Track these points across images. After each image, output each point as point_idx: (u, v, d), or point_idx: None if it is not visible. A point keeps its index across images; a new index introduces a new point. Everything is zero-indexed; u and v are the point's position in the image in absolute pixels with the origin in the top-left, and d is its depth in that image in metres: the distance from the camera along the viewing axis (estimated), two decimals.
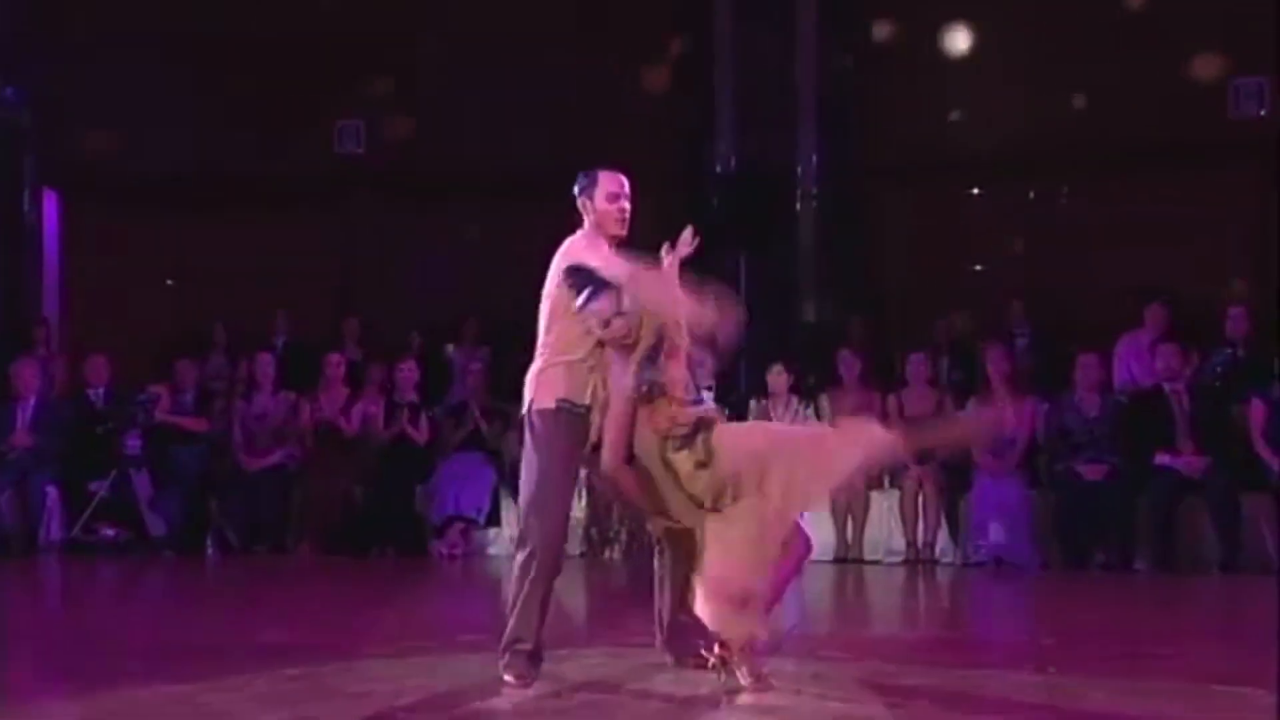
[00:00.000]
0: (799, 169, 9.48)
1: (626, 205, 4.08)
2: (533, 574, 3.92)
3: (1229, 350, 7.99)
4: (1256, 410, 7.42)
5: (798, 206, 9.50)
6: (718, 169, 9.46)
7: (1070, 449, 7.61)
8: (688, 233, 4.04)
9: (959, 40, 9.41)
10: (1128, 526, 7.38)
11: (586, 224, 4.07)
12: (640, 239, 4.12)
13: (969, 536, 7.57)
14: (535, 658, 3.94)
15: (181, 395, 8.73)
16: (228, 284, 10.20)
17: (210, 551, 8.27)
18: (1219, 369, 7.91)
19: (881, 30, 9.57)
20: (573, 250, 4.01)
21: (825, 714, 3.68)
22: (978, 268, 9.91)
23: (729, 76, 9.47)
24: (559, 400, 3.93)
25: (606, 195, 4.07)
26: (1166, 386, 7.53)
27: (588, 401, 3.95)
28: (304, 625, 5.12)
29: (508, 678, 3.89)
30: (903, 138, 9.59)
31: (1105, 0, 9.03)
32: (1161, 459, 7.35)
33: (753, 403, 8.17)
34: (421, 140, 10.19)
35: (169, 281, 10.80)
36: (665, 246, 4.01)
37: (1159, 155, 9.01)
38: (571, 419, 3.94)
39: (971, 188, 10.02)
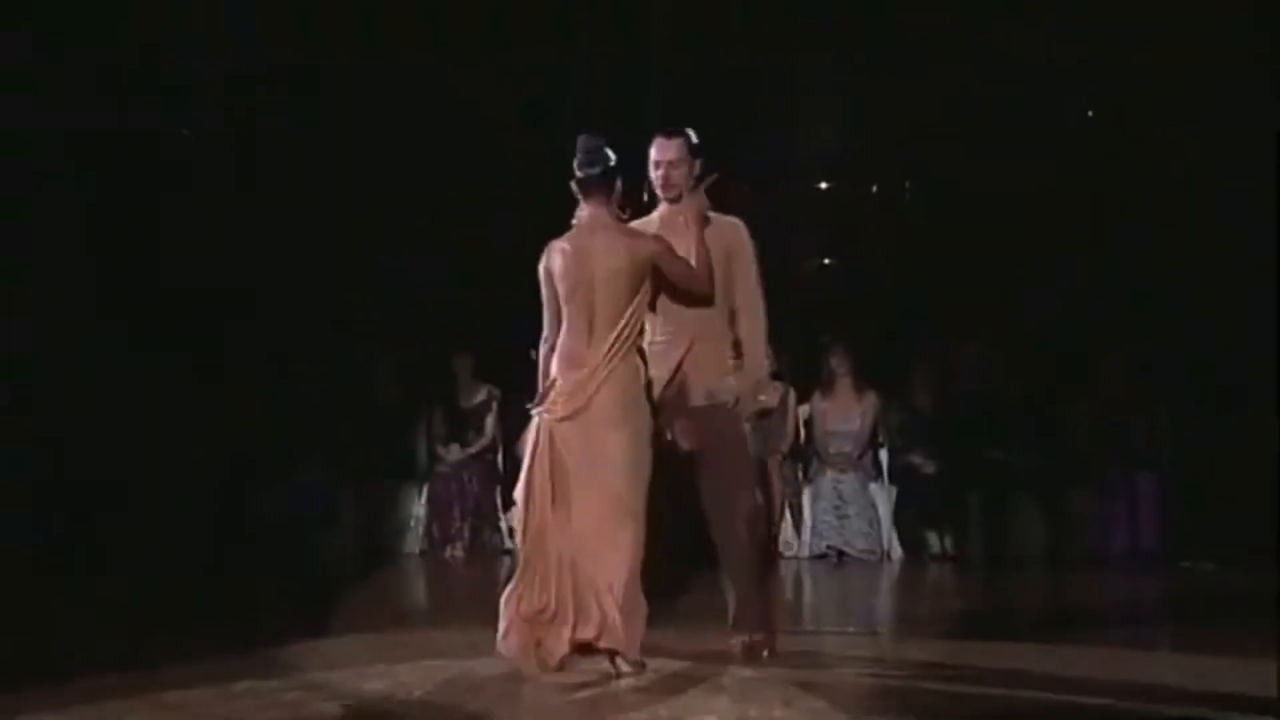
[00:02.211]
0: (647, 157, 9.43)
1: (665, 172, 4.28)
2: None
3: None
4: (1083, 406, 7.69)
5: (645, 197, 9.47)
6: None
7: (908, 444, 7.77)
8: None
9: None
10: (960, 519, 7.57)
11: None
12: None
13: (813, 529, 7.65)
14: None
15: None
16: None
17: None
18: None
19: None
20: None
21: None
22: (826, 261, 10.05)
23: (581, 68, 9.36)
24: None
25: (652, 164, 4.32)
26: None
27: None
28: None
29: None
30: (753, 128, 9.64)
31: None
32: (992, 453, 7.56)
33: None
34: None
35: None
36: None
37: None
38: None
39: (819, 182, 10.15)
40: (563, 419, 3.95)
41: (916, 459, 7.69)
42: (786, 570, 7.35)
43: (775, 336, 8.70)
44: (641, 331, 4.10)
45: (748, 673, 3.98)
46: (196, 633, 4.70)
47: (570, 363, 4.00)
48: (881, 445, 7.95)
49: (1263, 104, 7.52)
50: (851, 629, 5.28)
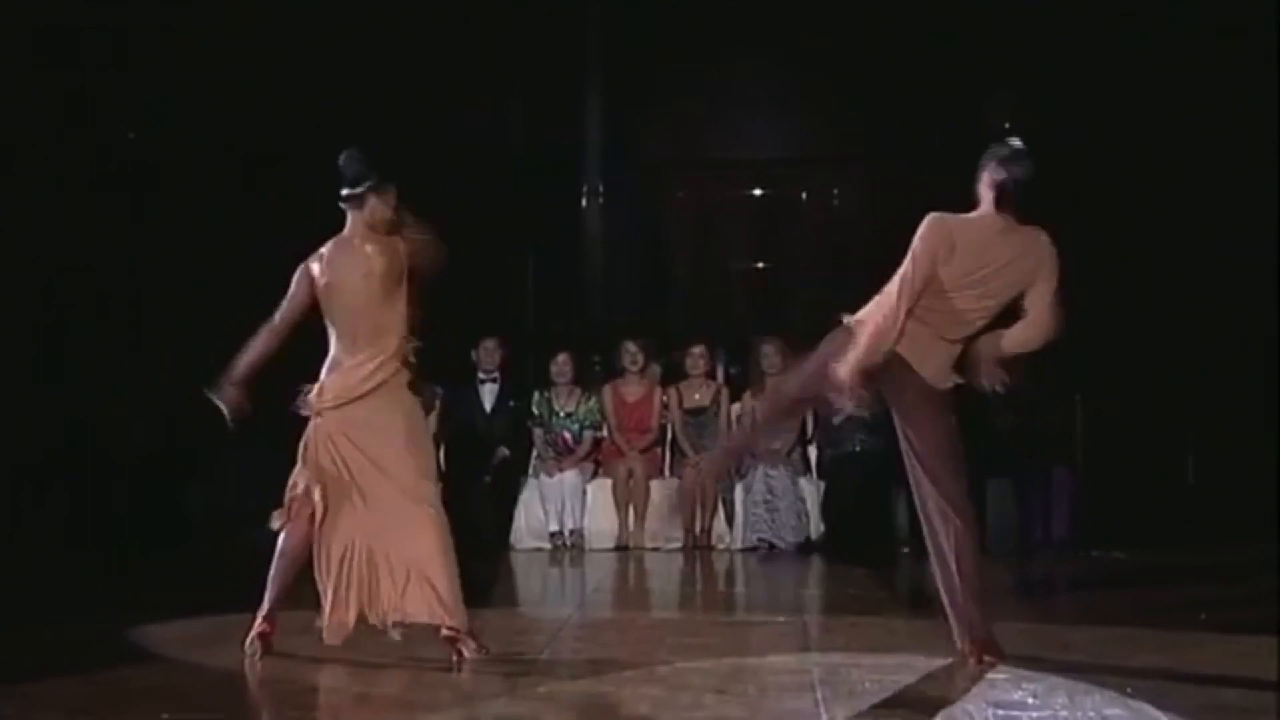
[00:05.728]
0: (585, 162, 9.63)
1: None
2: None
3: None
4: (1000, 401, 7.98)
5: (583, 201, 9.68)
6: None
7: (835, 438, 8.02)
8: None
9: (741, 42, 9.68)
10: (885, 512, 7.82)
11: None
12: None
13: (745, 522, 7.88)
14: None
15: None
16: None
17: None
18: None
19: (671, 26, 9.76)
20: None
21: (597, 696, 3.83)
22: (759, 265, 10.31)
23: (516, 67, 9.50)
24: None
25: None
26: None
27: None
28: None
29: None
30: (689, 135, 9.84)
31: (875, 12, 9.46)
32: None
33: (536, 394, 8.30)
34: None
35: None
36: None
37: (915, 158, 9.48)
38: None
39: (753, 188, 10.40)
40: (333, 408, 4.25)
41: (840, 453, 7.93)
42: (719, 562, 7.60)
43: (709, 337, 8.99)
44: (410, 335, 4.38)
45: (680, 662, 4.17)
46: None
47: (332, 367, 4.32)
48: (810, 441, 8.22)
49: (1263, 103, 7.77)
50: (781, 618, 5.51)
